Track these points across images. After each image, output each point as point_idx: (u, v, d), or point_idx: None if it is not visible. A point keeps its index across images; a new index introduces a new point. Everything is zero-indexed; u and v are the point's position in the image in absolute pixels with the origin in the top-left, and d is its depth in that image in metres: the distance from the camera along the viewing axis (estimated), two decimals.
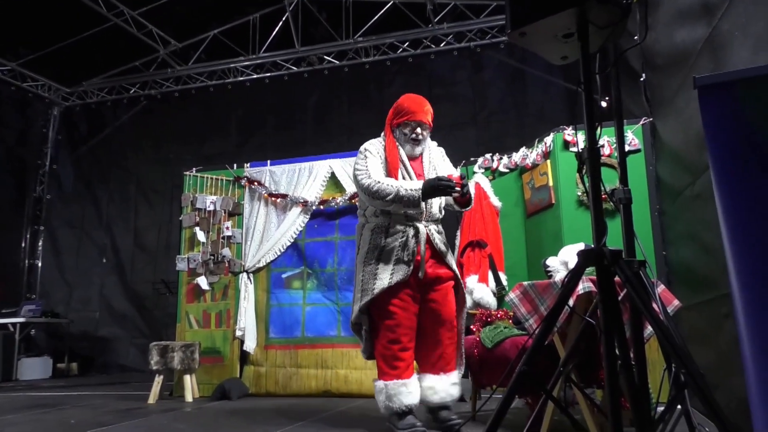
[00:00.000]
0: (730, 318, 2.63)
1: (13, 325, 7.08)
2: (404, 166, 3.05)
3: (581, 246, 3.37)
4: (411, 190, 2.86)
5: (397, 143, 3.09)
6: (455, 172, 3.10)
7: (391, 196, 2.87)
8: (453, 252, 3.83)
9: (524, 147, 4.54)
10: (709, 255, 2.92)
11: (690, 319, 3.21)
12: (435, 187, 2.85)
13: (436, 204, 3.08)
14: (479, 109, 7.08)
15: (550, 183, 4.12)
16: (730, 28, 2.30)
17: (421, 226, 3.01)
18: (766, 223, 1.24)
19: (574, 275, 1.86)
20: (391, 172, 3.01)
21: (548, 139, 4.19)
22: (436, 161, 3.15)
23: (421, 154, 3.11)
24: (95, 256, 8.23)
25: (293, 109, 7.83)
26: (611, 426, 1.80)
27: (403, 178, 3.02)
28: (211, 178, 4.93)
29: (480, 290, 4.22)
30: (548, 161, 4.17)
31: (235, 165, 4.95)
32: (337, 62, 7.61)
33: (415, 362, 3.04)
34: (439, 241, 3.06)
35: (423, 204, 2.91)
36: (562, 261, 3.13)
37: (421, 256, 2.97)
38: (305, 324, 4.57)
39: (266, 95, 7.93)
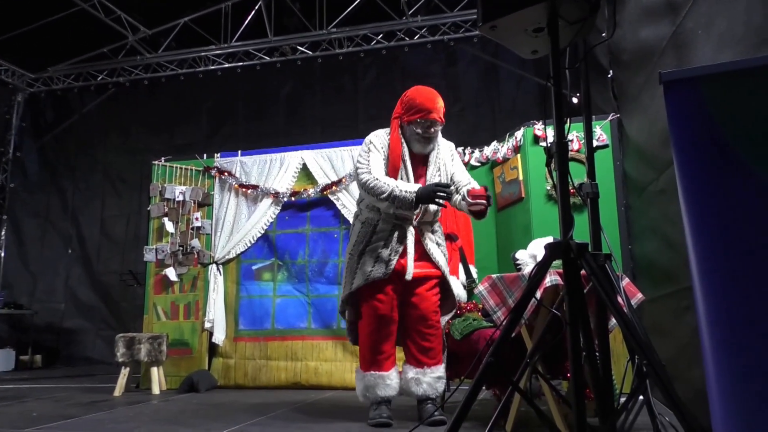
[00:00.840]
0: (690, 311, 2.70)
1: None
2: (405, 165, 3.00)
3: (550, 239, 3.43)
4: (406, 192, 2.85)
5: (402, 140, 3.01)
6: (464, 177, 3.08)
7: (384, 195, 2.86)
8: None
9: (495, 141, 4.57)
10: (671, 249, 2.99)
11: (652, 312, 3.28)
12: (429, 195, 2.83)
13: (433, 206, 3.04)
14: (452, 102, 7.07)
15: (520, 177, 4.16)
16: (694, 26, 2.34)
17: (409, 227, 3.01)
18: (728, 216, 1.27)
19: (541, 267, 1.89)
20: (391, 170, 2.98)
21: (519, 134, 4.23)
22: (445, 160, 3.08)
23: (430, 153, 3.04)
24: (60, 246, 8.05)
25: (265, 99, 7.75)
26: (575, 416, 1.83)
27: (402, 178, 2.98)
28: (181, 168, 4.85)
29: (451, 283, 4.25)
30: (518, 155, 4.21)
31: (205, 155, 4.89)
32: (311, 53, 7.55)
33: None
34: (430, 241, 3.07)
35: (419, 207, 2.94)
36: (531, 254, 3.17)
37: (408, 257, 2.97)
38: (275, 316, 4.54)
39: (238, 85, 7.82)
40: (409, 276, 2.96)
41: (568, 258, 1.86)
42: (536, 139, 4.11)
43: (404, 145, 3.01)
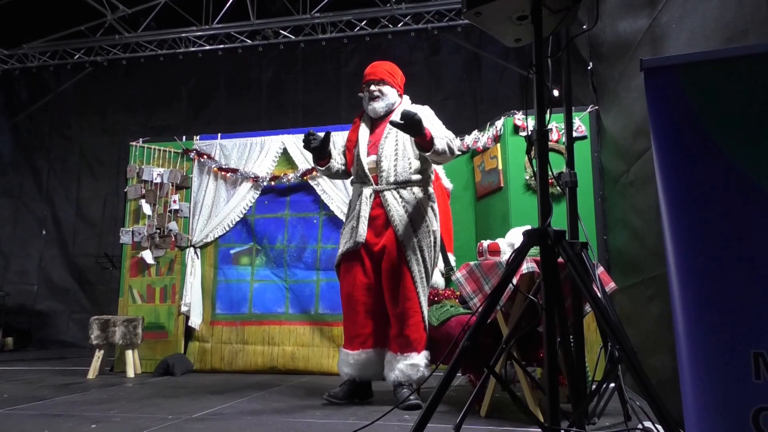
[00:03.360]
0: (654, 300, 2.76)
1: None
2: (359, 135, 3.13)
3: (528, 228, 3.46)
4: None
5: (364, 113, 3.19)
6: (434, 129, 2.95)
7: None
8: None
9: (476, 130, 4.59)
10: (638, 240, 3.05)
11: (621, 301, 3.35)
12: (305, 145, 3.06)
13: (390, 163, 3.00)
14: (435, 91, 7.10)
15: (500, 166, 4.19)
16: (669, 20, 2.37)
17: (368, 189, 3.02)
18: (705, 204, 1.29)
19: (518, 254, 1.91)
20: (349, 145, 3.17)
21: (499, 123, 4.25)
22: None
23: (387, 117, 3.07)
24: (34, 227, 7.91)
25: (247, 83, 7.68)
26: (548, 400, 1.86)
27: (356, 146, 3.13)
28: (159, 150, 4.79)
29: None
30: (498, 145, 4.23)
31: (184, 137, 4.83)
32: (293, 37, 7.48)
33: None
34: (398, 206, 2.96)
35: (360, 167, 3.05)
36: (509, 243, 3.18)
37: (357, 220, 3.00)
38: (252, 300, 4.53)
39: (219, 68, 7.74)
40: (360, 239, 2.96)
41: (546, 245, 1.89)
42: (516, 129, 4.14)
43: (363, 118, 3.19)
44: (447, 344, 3.04)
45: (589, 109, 4.01)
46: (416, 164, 3.03)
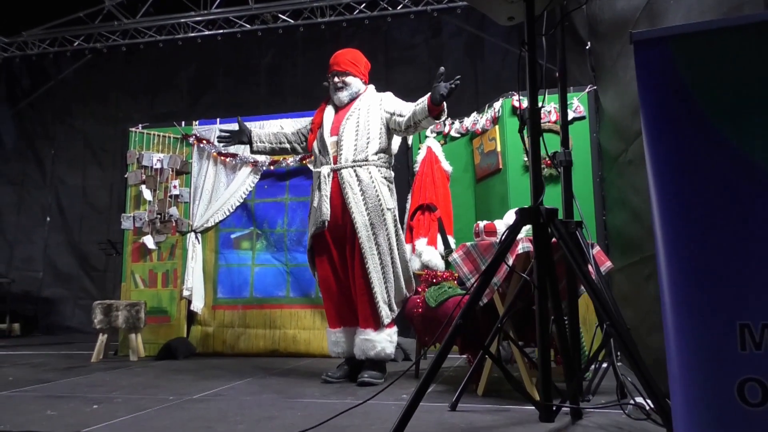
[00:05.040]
0: (652, 279, 2.76)
1: None
2: (323, 121, 3.29)
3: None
4: None
5: (330, 99, 3.34)
6: (401, 105, 3.18)
7: None
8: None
9: (475, 112, 4.57)
10: (637, 219, 3.05)
11: (620, 281, 3.35)
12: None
13: (350, 143, 3.13)
14: (435, 74, 7.04)
15: (498, 148, 4.18)
16: None
17: (326, 168, 3.15)
18: (694, 176, 1.29)
19: (511, 232, 1.92)
20: (314, 127, 3.35)
21: (497, 105, 4.23)
22: (369, 108, 3.20)
23: (351, 103, 3.23)
24: (38, 215, 7.95)
25: (246, 68, 7.65)
26: (540, 376, 1.88)
27: (320, 131, 3.28)
28: (158, 136, 4.79)
29: (428, 253, 4.28)
30: (497, 127, 4.22)
31: (183, 122, 4.83)
32: (292, 21, 7.43)
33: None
34: (353, 185, 3.08)
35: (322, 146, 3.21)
36: (507, 224, 3.18)
37: (319, 200, 3.12)
38: (254, 284, 4.55)
39: (218, 53, 7.70)
40: (324, 217, 3.09)
41: (538, 223, 1.89)
42: (514, 110, 4.12)
43: (330, 102, 3.33)
44: (443, 323, 3.06)
45: (587, 89, 3.98)
46: (375, 145, 3.16)
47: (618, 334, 1.64)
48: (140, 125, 4.86)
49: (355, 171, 3.11)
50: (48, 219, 7.89)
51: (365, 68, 3.36)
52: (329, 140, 3.21)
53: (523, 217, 1.90)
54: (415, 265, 4.32)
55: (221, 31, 7.61)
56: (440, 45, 7.15)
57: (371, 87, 3.35)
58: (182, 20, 7.61)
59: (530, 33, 2.01)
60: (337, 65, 3.28)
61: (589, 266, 2.27)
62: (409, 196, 4.77)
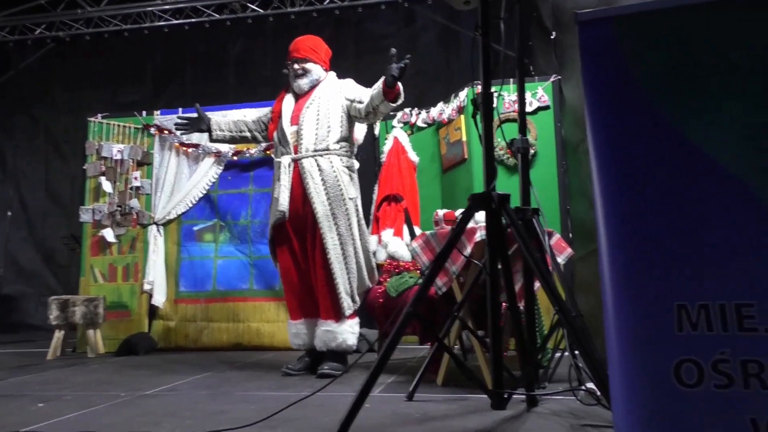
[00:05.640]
0: None
1: None
2: (284, 108, 3.23)
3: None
4: None
5: (290, 86, 3.29)
6: (361, 91, 3.12)
7: None
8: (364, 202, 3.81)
9: (442, 102, 4.54)
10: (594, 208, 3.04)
11: (582, 270, 3.36)
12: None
13: (311, 132, 3.07)
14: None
15: (464, 138, 4.16)
16: None
17: (287, 158, 3.09)
18: (633, 156, 1.27)
19: (463, 218, 1.88)
20: (274, 116, 3.30)
21: (462, 94, 4.21)
22: (329, 97, 3.15)
23: (311, 91, 3.17)
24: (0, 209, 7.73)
25: (215, 58, 7.50)
26: (491, 365, 1.86)
27: (280, 119, 3.22)
28: (119, 126, 4.67)
29: (395, 244, 4.25)
30: (462, 116, 4.19)
31: (144, 112, 4.71)
32: (262, 11, 7.31)
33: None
34: (314, 175, 3.02)
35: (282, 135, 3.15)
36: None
37: (279, 191, 3.06)
38: (217, 277, 4.47)
39: (186, 43, 7.54)
40: (282, 207, 3.04)
41: (490, 208, 1.86)
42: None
43: (290, 90, 3.27)
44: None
45: (552, 79, 3.97)
46: (336, 134, 3.11)
47: (567, 321, 1.62)
48: (99, 115, 4.73)
49: (316, 160, 3.05)
50: (9, 213, 7.67)
51: (326, 55, 3.30)
52: (289, 130, 3.15)
53: (474, 203, 1.87)
54: (381, 256, 4.28)
55: (189, 20, 7.45)
56: (412, 36, 7.10)
57: (332, 74, 3.29)
58: (149, 9, 7.44)
59: (484, 17, 1.97)
60: (297, 52, 3.22)
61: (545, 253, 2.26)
62: (376, 187, 4.72)
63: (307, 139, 3.07)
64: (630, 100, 1.29)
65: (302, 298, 3.15)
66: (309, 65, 3.17)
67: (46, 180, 7.57)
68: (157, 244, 4.51)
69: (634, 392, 1.14)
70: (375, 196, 4.68)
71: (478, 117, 1.97)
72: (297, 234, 3.11)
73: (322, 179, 3.03)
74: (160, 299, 4.46)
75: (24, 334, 7.06)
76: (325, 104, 3.12)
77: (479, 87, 4.03)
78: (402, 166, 4.60)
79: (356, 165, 3.42)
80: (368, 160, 5.03)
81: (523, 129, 2.40)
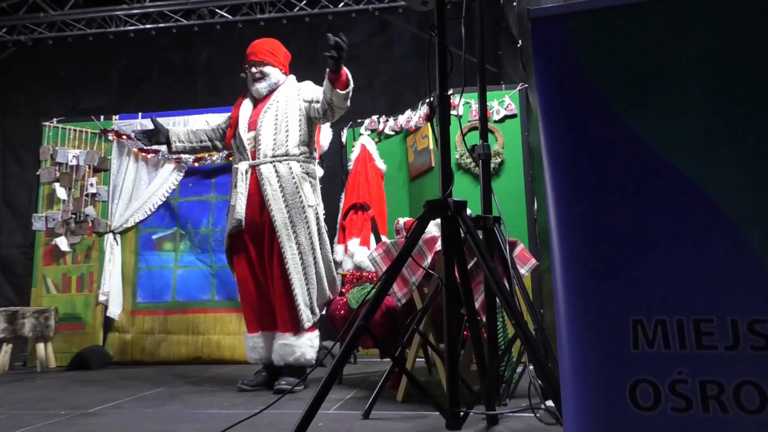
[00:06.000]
0: None
1: None
2: (241, 113, 3.12)
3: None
4: None
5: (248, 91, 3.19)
6: (317, 90, 3.01)
7: None
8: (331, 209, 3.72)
9: (409, 110, 4.47)
10: None
11: (548, 280, 3.29)
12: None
13: (269, 137, 2.96)
14: (377, 73, 6.93)
15: (431, 146, 4.08)
16: None
17: (244, 164, 2.99)
18: (588, 161, 1.19)
19: (418, 225, 1.79)
20: (232, 122, 3.18)
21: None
22: (287, 99, 3.05)
23: (269, 95, 3.07)
24: None
25: (181, 64, 7.34)
26: (447, 380, 1.76)
27: (238, 124, 3.10)
28: (75, 130, 4.49)
29: (361, 253, 4.14)
30: (429, 124, 4.12)
31: (102, 117, 4.54)
32: (231, 17, 7.19)
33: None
34: (272, 181, 2.91)
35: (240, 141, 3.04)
36: (436, 223, 3.10)
37: (236, 198, 2.96)
38: (176, 288, 4.30)
39: (152, 48, 7.36)
40: (238, 216, 2.95)
41: (446, 216, 1.77)
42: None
43: (248, 96, 3.17)
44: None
45: (519, 87, 3.93)
46: (296, 139, 3.00)
47: (524, 335, 1.53)
48: (55, 119, 4.55)
49: (274, 166, 2.94)
50: None
51: (285, 59, 3.20)
52: (246, 136, 3.04)
53: (430, 210, 1.78)
54: (347, 265, 4.17)
55: (156, 25, 7.29)
56: (384, 44, 7.03)
57: (291, 77, 3.19)
58: (115, 13, 7.26)
59: (440, 17, 1.90)
60: (254, 55, 3.12)
61: (501, 263, 2.17)
62: (343, 195, 4.62)
63: (265, 145, 2.96)
64: (584, 101, 1.22)
65: (259, 310, 3.03)
66: (267, 68, 3.07)
67: (3, 186, 7.31)
68: (113, 253, 4.34)
69: (587, 414, 1.05)
70: (342, 204, 4.58)
71: (434, 121, 1.88)
72: (254, 243, 2.99)
73: (281, 186, 2.91)
74: (115, 311, 4.28)
75: None
76: (284, 108, 3.02)
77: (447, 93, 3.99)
78: (369, 174, 4.51)
79: (319, 171, 3.31)
80: (335, 167, 4.94)
81: (484, 135, 2.32)
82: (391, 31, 7.00)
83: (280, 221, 2.88)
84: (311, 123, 3.07)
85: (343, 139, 4.76)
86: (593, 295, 1.10)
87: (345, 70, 2.78)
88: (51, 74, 7.46)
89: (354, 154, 4.58)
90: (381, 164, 4.51)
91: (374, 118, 4.67)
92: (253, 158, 2.98)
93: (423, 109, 4.24)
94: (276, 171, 2.93)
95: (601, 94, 1.21)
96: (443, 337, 2.74)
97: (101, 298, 4.26)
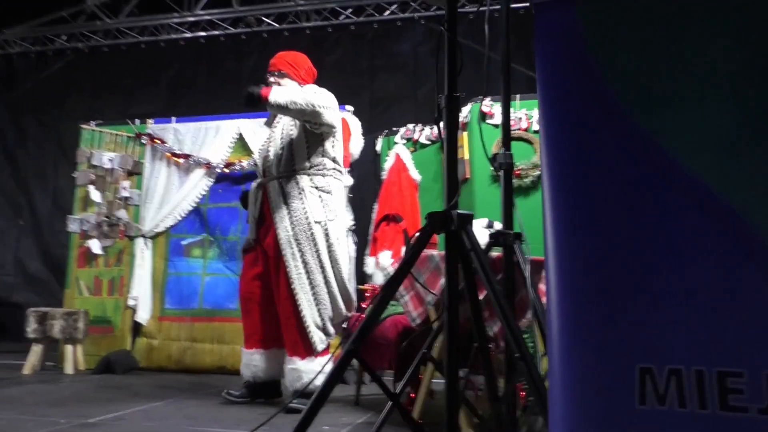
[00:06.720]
0: None
1: None
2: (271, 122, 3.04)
3: (485, 221, 3.15)
4: None
5: None
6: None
7: None
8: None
9: None
10: None
11: None
12: None
13: (276, 154, 2.87)
14: (421, 82, 6.78)
15: (466, 156, 3.88)
16: None
17: (255, 183, 2.95)
18: (596, 175, 0.99)
19: (419, 240, 1.61)
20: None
21: (465, 110, 3.94)
22: None
23: None
24: (10, 216, 7.71)
25: (228, 71, 7.42)
26: (446, 408, 1.57)
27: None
28: (111, 134, 4.53)
29: (393, 268, 3.97)
30: (465, 133, 3.92)
31: (137, 120, 4.56)
32: (277, 25, 7.21)
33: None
34: (277, 198, 2.82)
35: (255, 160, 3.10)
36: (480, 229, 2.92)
37: (253, 217, 2.91)
38: (203, 295, 4.25)
39: (201, 55, 7.48)
40: (249, 235, 2.97)
41: (449, 230, 1.59)
42: (483, 116, 3.82)
43: None
44: (382, 346, 2.75)
45: None
46: (302, 152, 2.85)
47: (528, 370, 1.33)
48: (93, 122, 4.60)
49: (279, 183, 2.84)
50: (21, 222, 7.65)
51: (307, 73, 3.07)
52: (258, 152, 3.01)
53: (432, 223, 1.60)
54: (378, 279, 4.02)
55: (204, 33, 7.39)
56: (426, 53, 6.89)
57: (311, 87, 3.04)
58: (165, 21, 7.41)
59: (451, 11, 1.72)
60: (274, 66, 3.04)
61: (529, 287, 1.96)
62: (376, 206, 4.47)
63: (273, 162, 2.89)
64: (593, 100, 1.02)
65: (260, 327, 2.93)
66: (285, 81, 2.95)
67: (54, 188, 7.54)
68: (144, 257, 4.32)
69: None
70: (374, 216, 4.42)
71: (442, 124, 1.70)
72: (264, 261, 2.91)
73: (285, 203, 2.80)
74: (144, 316, 4.25)
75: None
76: (289, 122, 2.90)
77: (484, 102, 3.78)
78: (403, 185, 4.35)
79: (347, 180, 3.16)
80: (368, 177, 4.80)
81: (507, 143, 2.12)
82: (435, 40, 6.84)
83: (284, 239, 2.76)
84: (320, 136, 2.88)
85: (378, 148, 4.62)
86: (591, 331, 0.89)
87: (265, 91, 2.71)
88: (105, 81, 7.68)
89: (388, 164, 4.42)
90: (416, 174, 4.34)
91: (410, 126, 4.50)
92: (264, 176, 2.93)
93: (459, 119, 4.05)
94: (281, 187, 2.83)
95: (613, 94, 1.01)
96: (466, 360, 2.54)
97: (131, 302, 4.25)
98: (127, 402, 2.88)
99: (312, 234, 2.76)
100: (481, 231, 2.96)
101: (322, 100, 2.77)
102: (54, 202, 7.51)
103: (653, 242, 0.90)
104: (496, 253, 2.26)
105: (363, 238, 4.45)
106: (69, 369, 3.98)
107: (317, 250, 2.76)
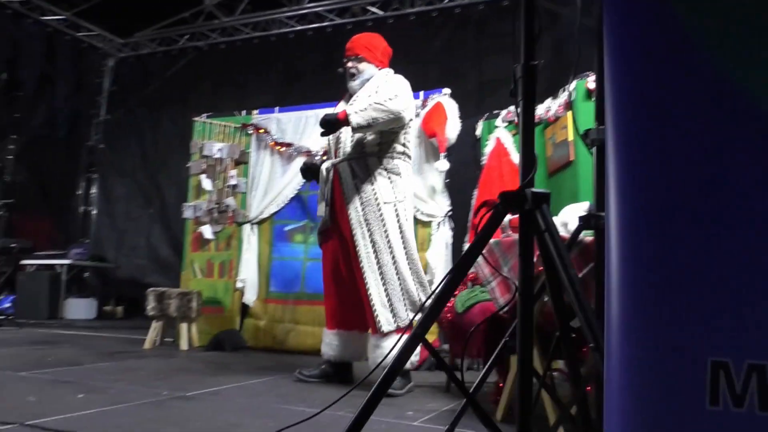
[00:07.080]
0: None
1: (61, 266, 7.37)
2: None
3: (585, 205, 2.94)
4: None
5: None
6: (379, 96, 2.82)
7: None
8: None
9: (550, 98, 4.05)
10: None
11: None
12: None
13: (347, 136, 2.88)
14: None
15: (570, 138, 3.65)
16: None
17: (326, 165, 2.95)
18: (669, 137, 0.85)
19: (490, 221, 1.52)
20: None
21: (571, 87, 3.69)
22: (369, 92, 2.90)
23: (359, 91, 2.97)
24: (144, 204, 8.41)
25: (336, 61, 7.54)
26: (518, 408, 1.47)
27: None
28: (220, 125, 4.76)
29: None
30: (569, 113, 3.68)
31: (243, 111, 4.76)
32: (381, 12, 7.23)
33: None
34: (348, 180, 2.83)
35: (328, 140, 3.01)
36: (562, 222, 2.74)
37: (326, 199, 2.91)
38: (305, 279, 4.36)
39: (309, 47, 7.69)
40: (321, 214, 2.97)
41: (523, 210, 1.48)
42: (589, 94, 3.56)
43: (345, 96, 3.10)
44: (468, 333, 2.65)
45: None
46: (373, 135, 2.85)
47: (598, 351, 1.20)
48: (204, 115, 4.87)
49: (350, 164, 2.87)
50: (151, 210, 8.31)
51: (383, 54, 3.07)
52: (332, 135, 3.00)
53: (504, 202, 1.49)
54: (476, 267, 3.90)
55: (312, 25, 7.59)
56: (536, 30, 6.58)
57: (382, 72, 3.01)
58: (275, 16, 7.69)
59: None
60: (351, 50, 3.03)
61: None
62: (475, 192, 4.35)
63: (345, 143, 2.91)
64: (671, 46, 0.88)
65: (338, 308, 2.99)
66: (362, 65, 2.96)
67: (179, 177, 8.09)
68: (250, 242, 4.52)
69: None
70: (473, 202, 4.31)
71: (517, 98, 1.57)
72: (340, 241, 2.94)
73: (356, 184, 2.83)
74: (251, 298, 4.46)
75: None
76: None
77: (590, 79, 3.52)
78: (504, 170, 4.18)
79: (404, 166, 2.96)
80: (468, 162, 4.67)
81: (600, 117, 1.94)
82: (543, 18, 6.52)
83: (355, 219, 2.80)
84: None
85: (478, 132, 4.47)
86: (655, 317, 0.77)
87: (341, 114, 2.75)
88: (223, 75, 8.13)
89: (488, 148, 4.28)
90: (517, 158, 4.15)
91: (512, 108, 4.31)
92: (335, 157, 2.96)
93: (563, 96, 3.81)
94: (351, 169, 2.86)
95: (695, 43, 0.87)
96: (559, 352, 2.39)
97: (239, 284, 4.47)
98: (228, 378, 3.02)
99: (381, 215, 2.78)
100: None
101: (398, 104, 2.75)
102: (179, 191, 8.08)
103: (743, 211, 0.76)
104: (588, 237, 2.09)
105: (462, 225, 4.35)
106: (184, 345, 4.26)
107: (386, 231, 2.78)
